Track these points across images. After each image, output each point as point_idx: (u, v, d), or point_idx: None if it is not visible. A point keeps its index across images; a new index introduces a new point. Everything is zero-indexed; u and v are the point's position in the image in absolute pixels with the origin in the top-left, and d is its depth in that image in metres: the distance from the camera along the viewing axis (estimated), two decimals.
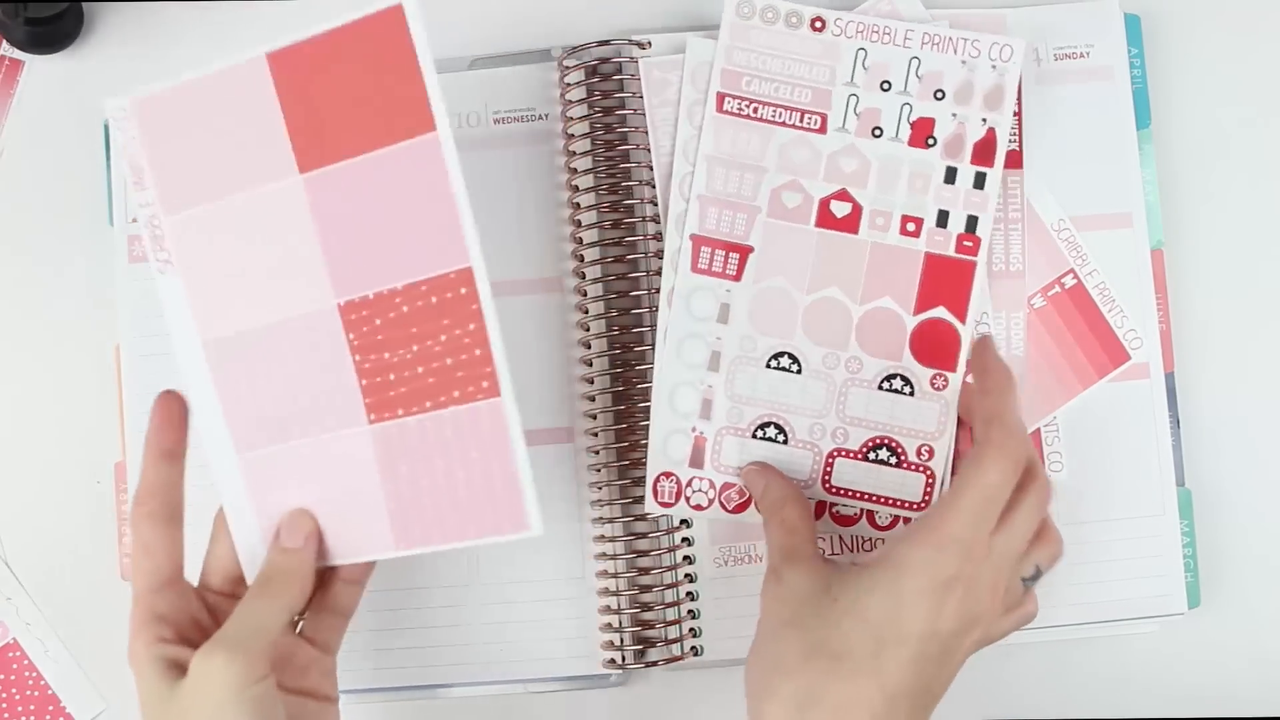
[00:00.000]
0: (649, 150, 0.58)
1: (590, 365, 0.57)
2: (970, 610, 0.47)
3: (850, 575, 0.48)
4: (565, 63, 0.58)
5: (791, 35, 0.54)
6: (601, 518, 0.57)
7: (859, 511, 0.54)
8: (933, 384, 0.53)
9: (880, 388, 0.53)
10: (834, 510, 0.54)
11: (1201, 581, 0.58)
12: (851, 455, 0.53)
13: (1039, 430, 0.57)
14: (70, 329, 0.60)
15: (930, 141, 0.53)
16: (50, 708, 0.59)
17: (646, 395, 0.57)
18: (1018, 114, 0.57)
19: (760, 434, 0.54)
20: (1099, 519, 0.57)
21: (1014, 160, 0.57)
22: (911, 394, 0.53)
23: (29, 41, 0.60)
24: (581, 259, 0.57)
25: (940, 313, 0.53)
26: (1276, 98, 0.60)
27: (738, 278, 0.53)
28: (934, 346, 0.53)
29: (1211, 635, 0.59)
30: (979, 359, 0.50)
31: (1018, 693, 0.58)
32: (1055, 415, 0.57)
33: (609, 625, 0.56)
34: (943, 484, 0.53)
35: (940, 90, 0.53)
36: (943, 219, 0.53)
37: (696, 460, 0.55)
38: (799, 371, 0.53)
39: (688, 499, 0.54)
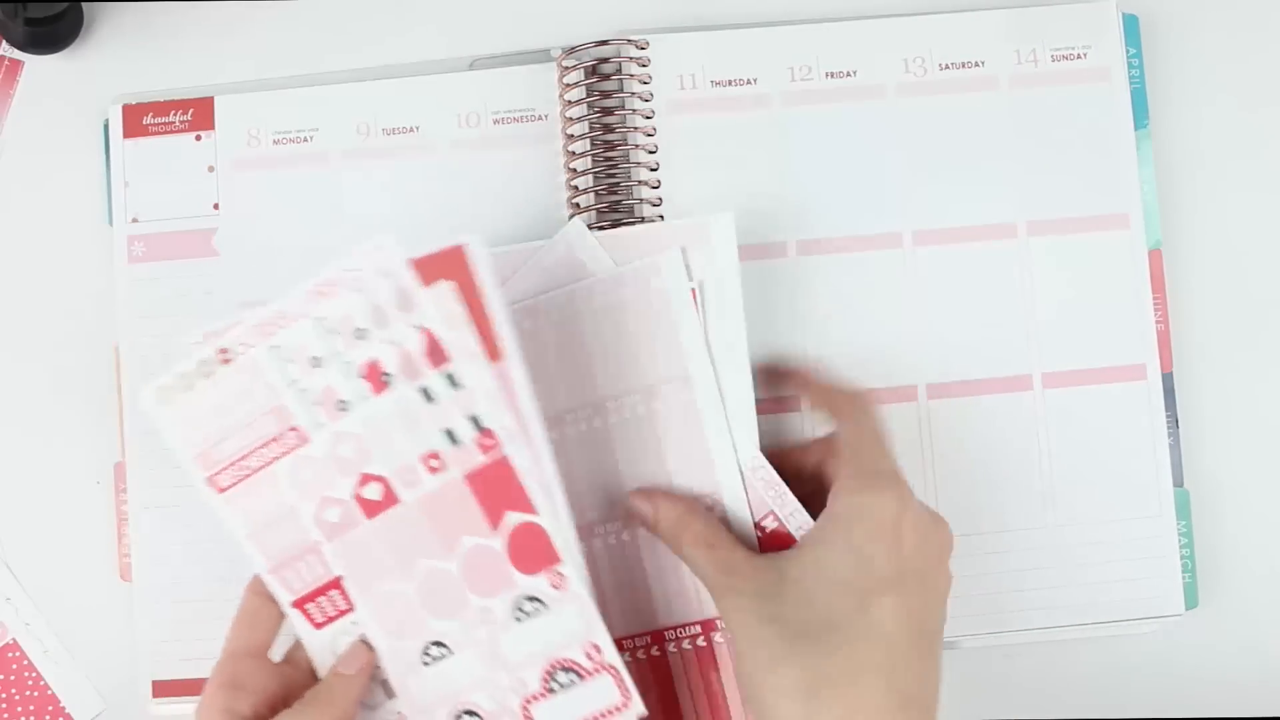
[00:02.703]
0: (649, 150, 0.58)
1: None
2: (926, 535, 0.48)
3: (796, 554, 0.48)
4: (564, 63, 0.59)
5: (215, 385, 0.49)
6: None
7: None
8: (554, 586, 0.49)
9: (518, 620, 0.49)
10: None
11: (1199, 582, 0.58)
12: (540, 696, 0.49)
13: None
14: (70, 329, 0.60)
15: (386, 378, 0.48)
16: (50, 708, 0.59)
17: None
18: None
19: None
20: (1097, 519, 0.57)
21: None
22: (546, 605, 0.49)
23: (29, 41, 0.60)
24: None
25: (515, 517, 0.48)
26: (1275, 98, 0.61)
27: (351, 608, 0.50)
28: (530, 551, 0.49)
29: (1209, 636, 0.59)
30: (788, 380, 0.55)
31: (1016, 693, 0.58)
32: (1052, 415, 0.58)
33: None
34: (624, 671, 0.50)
35: (359, 329, 0.48)
36: (452, 436, 0.48)
37: None
38: (451, 652, 0.50)
39: None
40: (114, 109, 0.60)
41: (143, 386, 0.50)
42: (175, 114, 0.60)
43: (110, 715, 0.59)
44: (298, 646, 0.51)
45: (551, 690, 0.49)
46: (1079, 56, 0.59)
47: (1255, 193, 0.60)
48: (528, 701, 0.49)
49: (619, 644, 0.50)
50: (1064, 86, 0.59)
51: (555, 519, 0.48)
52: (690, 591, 0.53)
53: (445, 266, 0.48)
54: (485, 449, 0.48)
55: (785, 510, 0.51)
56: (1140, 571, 0.57)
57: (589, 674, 0.49)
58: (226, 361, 0.49)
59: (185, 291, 0.59)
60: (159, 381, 0.50)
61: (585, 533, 0.54)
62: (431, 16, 0.61)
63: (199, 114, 0.60)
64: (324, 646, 0.51)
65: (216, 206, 0.59)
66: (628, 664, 0.49)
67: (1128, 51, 0.59)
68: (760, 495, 0.51)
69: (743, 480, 0.52)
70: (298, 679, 0.50)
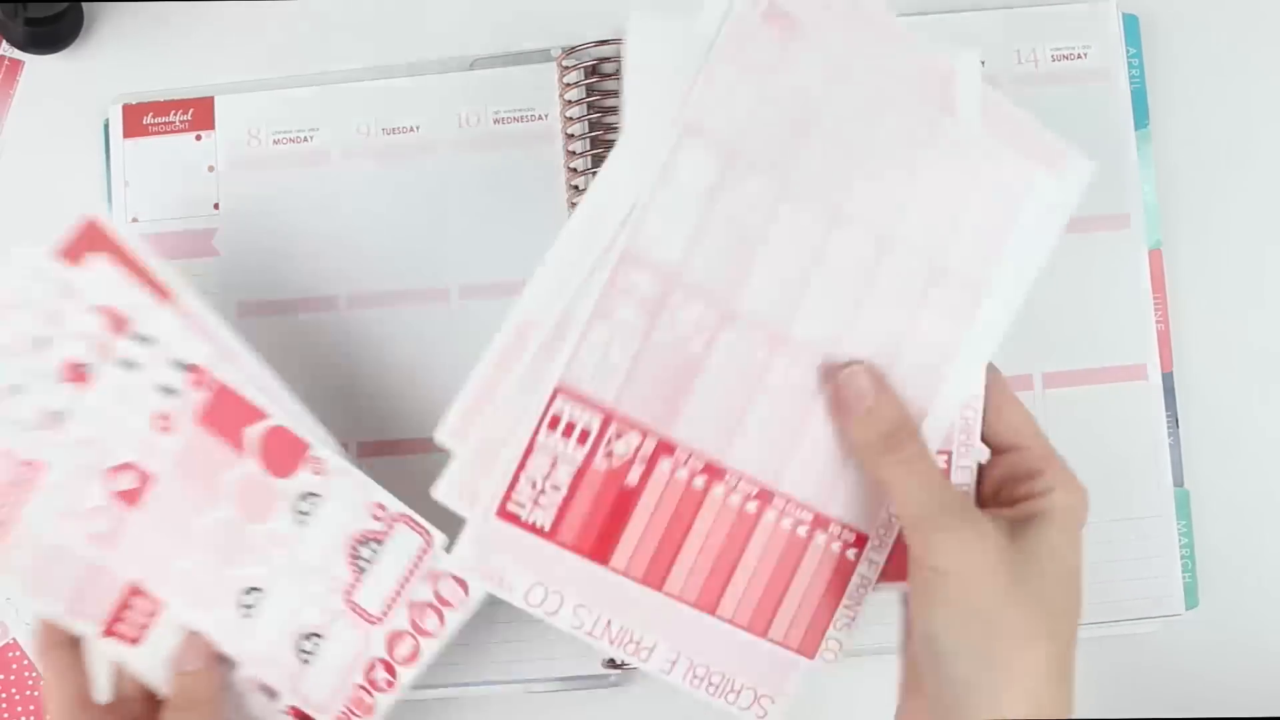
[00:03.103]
0: None
1: None
2: None
3: (1035, 531, 0.44)
4: (564, 63, 0.59)
5: None
6: None
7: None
8: (316, 473, 0.50)
9: (304, 524, 0.50)
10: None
11: (1199, 582, 0.58)
12: (355, 582, 0.50)
13: None
14: None
15: (86, 369, 0.49)
16: None
17: None
18: None
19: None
20: (1097, 520, 0.57)
21: None
22: (320, 495, 0.50)
23: (29, 41, 0.60)
24: None
25: (254, 430, 0.49)
26: (1275, 97, 0.61)
27: (160, 606, 0.50)
28: (281, 454, 0.50)
29: (1209, 636, 0.59)
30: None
31: None
32: (1052, 415, 0.58)
33: None
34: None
35: (39, 338, 0.49)
36: (168, 389, 0.49)
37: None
38: (264, 590, 0.50)
39: None
40: (114, 109, 0.60)
41: None
42: (175, 114, 0.60)
43: None
44: (122, 677, 0.51)
45: (361, 570, 0.50)
46: (1079, 56, 0.59)
47: (1255, 192, 0.60)
48: (348, 592, 0.50)
49: (779, 498, 0.46)
50: (1064, 86, 0.59)
51: (287, 412, 0.49)
52: (868, 493, 0.47)
53: (86, 242, 0.49)
54: (201, 384, 0.49)
55: (961, 460, 0.47)
56: (1140, 571, 0.57)
57: (384, 534, 0.50)
58: None
59: None
60: None
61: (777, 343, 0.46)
62: (431, 17, 0.61)
63: (199, 114, 0.60)
64: (152, 660, 0.50)
65: (217, 206, 0.59)
66: (772, 525, 0.46)
67: (1128, 51, 0.59)
68: (952, 432, 0.47)
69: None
70: (136, 710, 0.50)
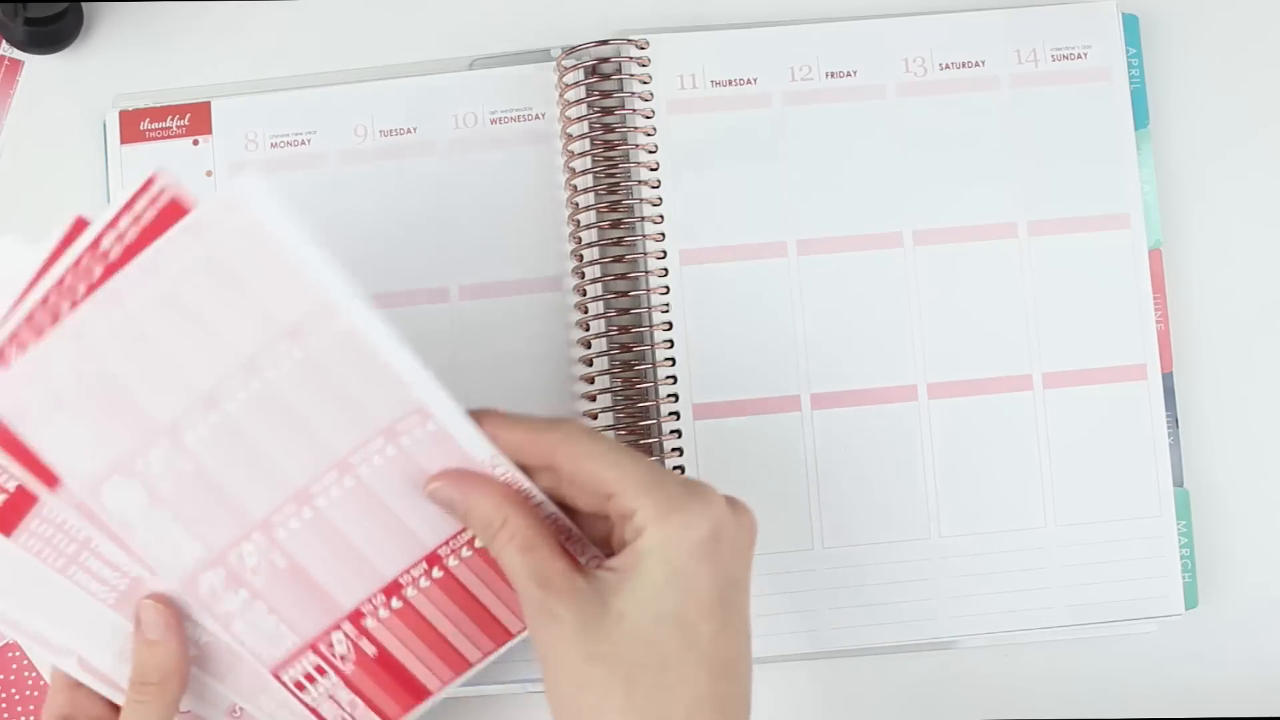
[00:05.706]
0: (649, 150, 0.58)
1: (590, 365, 0.57)
2: (738, 534, 0.45)
3: (619, 584, 0.44)
4: (564, 63, 0.59)
5: None
6: None
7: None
8: None
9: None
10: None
11: (1199, 582, 0.58)
12: None
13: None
14: None
15: None
16: None
17: (646, 395, 0.57)
18: None
19: None
20: (1096, 519, 0.57)
21: None
22: None
23: (29, 41, 0.60)
24: (581, 259, 0.58)
25: None
26: (1275, 97, 0.61)
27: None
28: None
29: (1209, 636, 0.59)
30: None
31: (1016, 693, 0.58)
32: (1052, 415, 0.58)
33: None
34: None
35: None
36: None
37: None
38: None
39: None
40: (110, 114, 0.60)
41: None
42: (172, 119, 0.60)
43: None
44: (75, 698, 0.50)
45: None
46: (1079, 56, 0.59)
47: (1255, 192, 0.60)
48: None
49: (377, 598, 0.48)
50: (1064, 86, 0.59)
51: None
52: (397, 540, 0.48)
53: None
54: None
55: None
56: (1140, 571, 0.57)
57: None
58: None
59: None
60: None
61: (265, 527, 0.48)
62: (431, 17, 0.61)
63: (196, 119, 0.60)
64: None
65: None
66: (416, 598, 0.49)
67: (1128, 51, 0.59)
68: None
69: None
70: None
